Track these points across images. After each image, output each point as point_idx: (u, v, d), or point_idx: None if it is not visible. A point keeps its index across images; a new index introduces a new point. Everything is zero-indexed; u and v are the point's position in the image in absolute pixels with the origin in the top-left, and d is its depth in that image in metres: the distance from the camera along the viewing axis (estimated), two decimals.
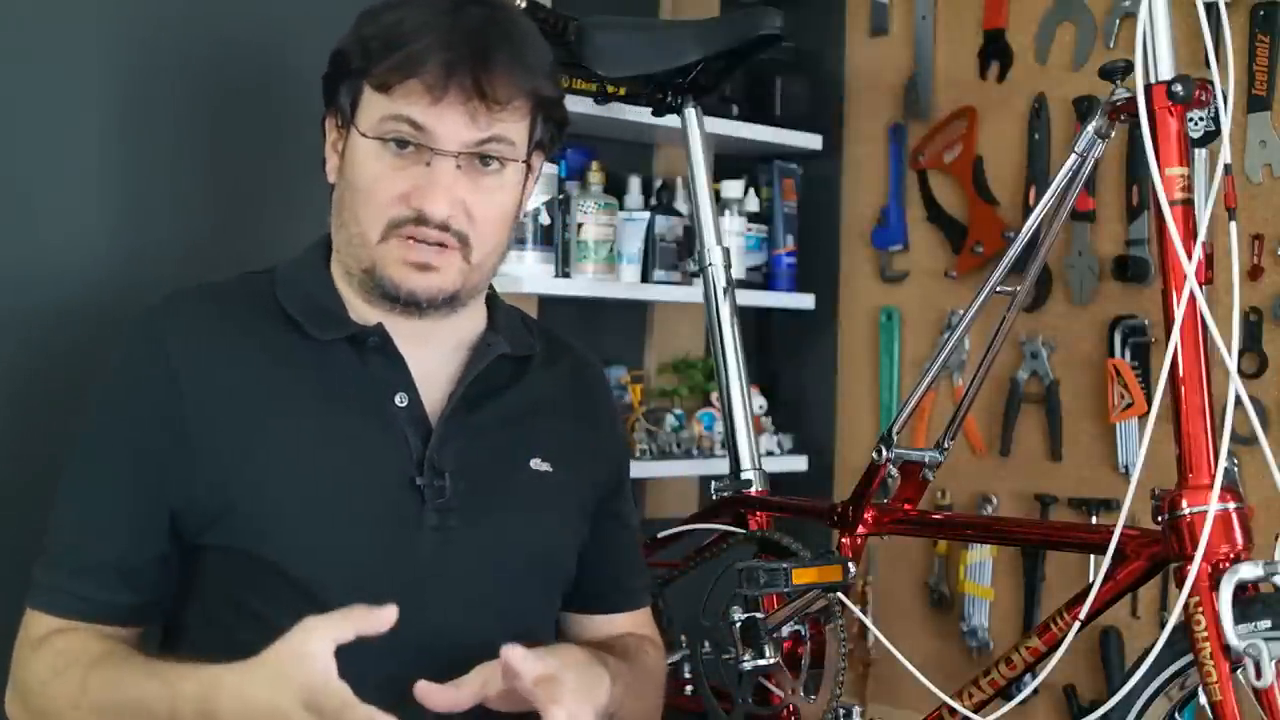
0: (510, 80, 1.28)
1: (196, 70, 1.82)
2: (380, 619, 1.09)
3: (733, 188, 2.52)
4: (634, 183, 2.47)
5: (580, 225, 2.28)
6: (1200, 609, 1.36)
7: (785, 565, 1.50)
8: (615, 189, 2.42)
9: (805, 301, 2.64)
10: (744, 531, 1.81)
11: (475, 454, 1.34)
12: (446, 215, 1.28)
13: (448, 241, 1.29)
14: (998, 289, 1.71)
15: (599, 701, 1.25)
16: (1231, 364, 1.38)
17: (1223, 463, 1.38)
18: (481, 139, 1.29)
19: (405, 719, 1.09)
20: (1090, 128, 1.59)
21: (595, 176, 2.35)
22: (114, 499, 1.27)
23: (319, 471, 1.27)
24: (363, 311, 1.34)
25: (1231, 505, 1.39)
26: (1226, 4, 1.48)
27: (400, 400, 1.31)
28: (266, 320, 1.32)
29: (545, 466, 1.40)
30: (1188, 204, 1.44)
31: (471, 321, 1.39)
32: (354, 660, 1.08)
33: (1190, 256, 1.41)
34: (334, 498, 1.27)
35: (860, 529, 1.74)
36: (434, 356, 1.35)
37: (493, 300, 1.44)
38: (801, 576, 1.51)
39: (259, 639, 1.12)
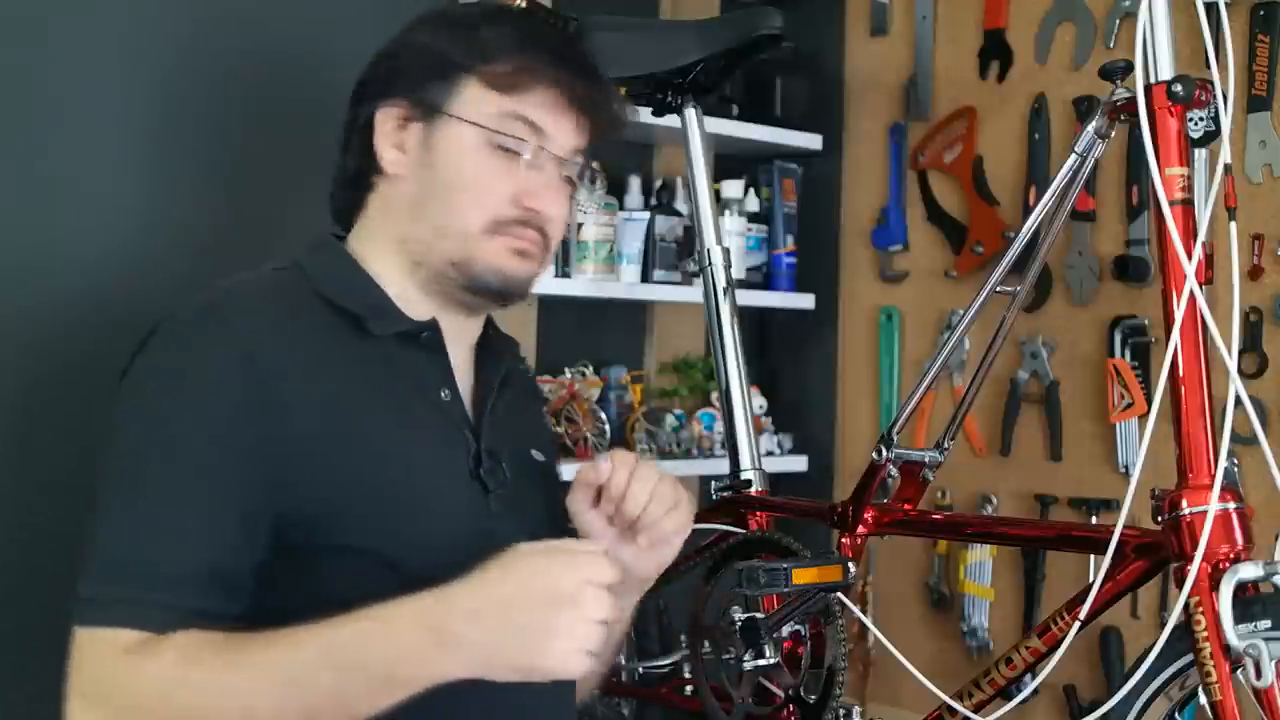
0: (606, 99, 1.37)
1: (222, 74, 1.83)
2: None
3: (733, 188, 2.53)
4: (634, 183, 2.47)
5: (580, 225, 2.28)
6: (1200, 609, 1.36)
7: (785, 565, 1.50)
8: (615, 189, 2.42)
9: (805, 301, 2.64)
10: (744, 531, 1.81)
11: (508, 446, 1.37)
12: (555, 217, 1.33)
13: (539, 241, 1.34)
14: (998, 289, 1.71)
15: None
16: (1231, 364, 1.38)
17: (1223, 463, 1.38)
18: (578, 148, 1.35)
19: (492, 695, 1.13)
20: (1090, 128, 1.59)
21: (595, 177, 2.35)
22: (210, 500, 1.17)
23: (410, 467, 1.27)
24: (414, 307, 1.33)
25: (1231, 505, 1.39)
26: (1226, 4, 1.47)
27: (444, 395, 1.33)
28: (317, 314, 1.29)
29: (541, 456, 1.45)
30: (1188, 204, 1.44)
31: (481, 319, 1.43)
32: None
33: (1190, 256, 1.41)
34: (428, 492, 1.28)
35: (860, 529, 1.74)
36: (459, 352, 1.38)
37: None
38: (801, 576, 1.51)
39: None
